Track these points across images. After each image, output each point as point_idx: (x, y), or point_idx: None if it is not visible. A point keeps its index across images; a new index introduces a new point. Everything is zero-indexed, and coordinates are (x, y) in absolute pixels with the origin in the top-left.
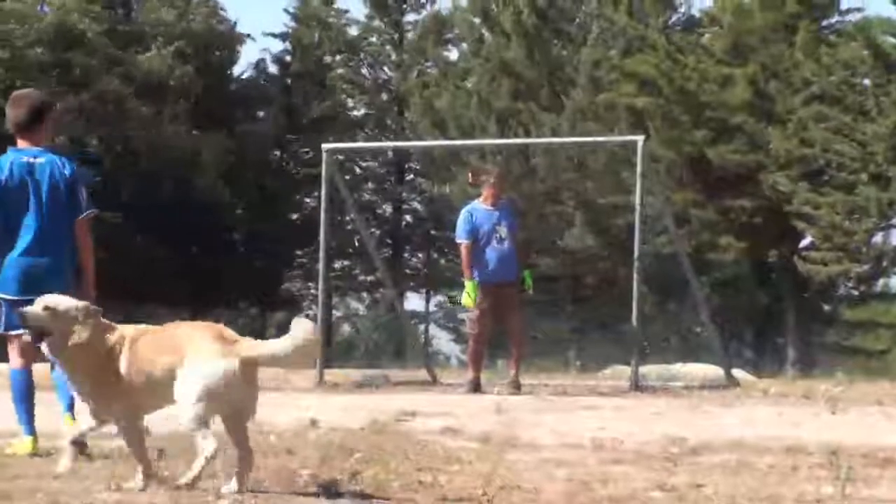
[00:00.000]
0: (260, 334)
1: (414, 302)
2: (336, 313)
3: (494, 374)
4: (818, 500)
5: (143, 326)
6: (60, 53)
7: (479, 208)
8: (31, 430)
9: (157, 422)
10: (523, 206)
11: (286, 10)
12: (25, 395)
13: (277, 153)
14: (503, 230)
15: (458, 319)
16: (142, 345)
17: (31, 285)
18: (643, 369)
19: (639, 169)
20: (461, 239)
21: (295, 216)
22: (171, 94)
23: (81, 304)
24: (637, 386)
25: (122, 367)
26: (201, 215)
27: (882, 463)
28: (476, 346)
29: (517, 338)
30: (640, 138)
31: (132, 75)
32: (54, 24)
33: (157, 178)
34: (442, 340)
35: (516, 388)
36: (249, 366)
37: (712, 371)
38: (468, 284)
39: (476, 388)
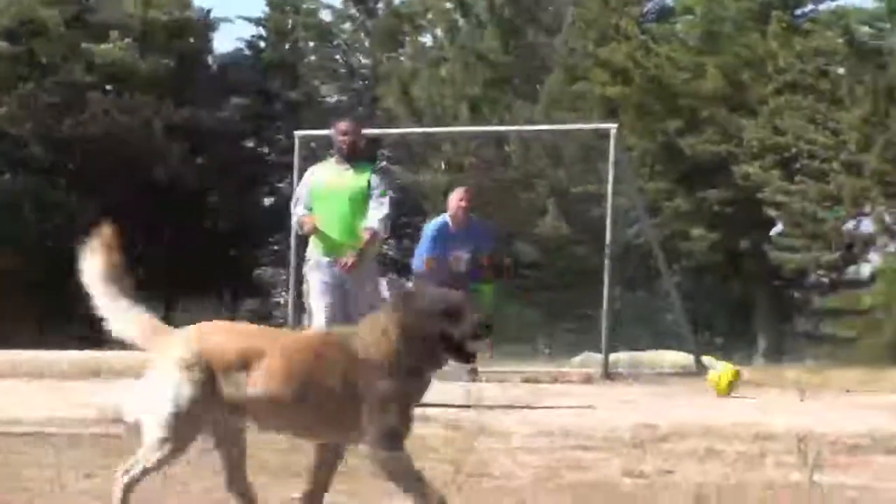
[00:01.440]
0: (231, 321)
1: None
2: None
3: None
4: (786, 486)
5: None
6: (22, 43)
7: (448, 228)
8: None
9: None
10: (497, 193)
11: None
12: None
13: (251, 139)
14: (462, 254)
15: None
16: None
17: None
18: (614, 357)
19: (611, 157)
20: (420, 254)
21: (268, 202)
22: (140, 83)
23: None
24: (607, 373)
25: None
26: (173, 202)
27: (850, 450)
28: None
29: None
30: (612, 126)
31: (95, 64)
32: (13, 13)
33: (128, 166)
34: None
35: (474, 374)
36: None
37: (683, 358)
38: None
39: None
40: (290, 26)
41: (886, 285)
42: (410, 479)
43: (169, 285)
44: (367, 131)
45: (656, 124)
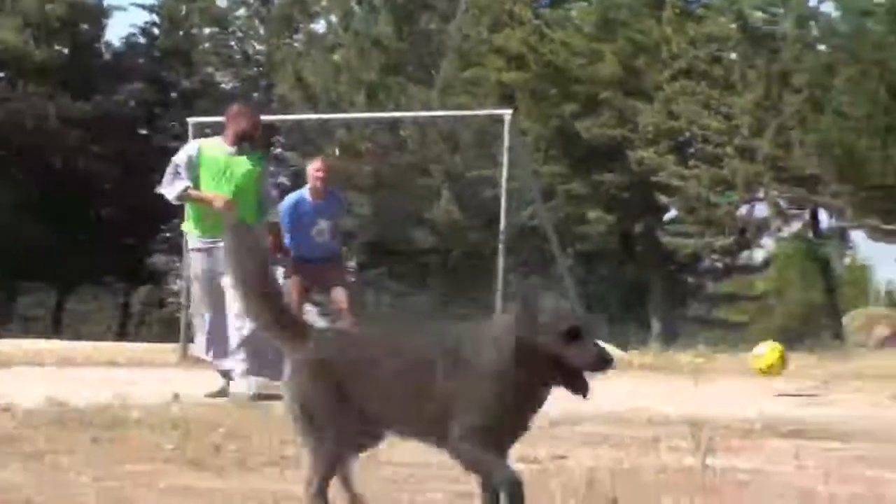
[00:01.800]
0: (125, 309)
1: (280, 274)
2: None
3: None
4: (679, 470)
5: None
6: None
7: (305, 200)
8: None
9: None
10: (392, 179)
11: None
12: None
13: (145, 127)
14: (323, 224)
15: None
16: None
17: None
18: None
19: (506, 142)
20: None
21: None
22: (34, 70)
23: None
24: None
25: None
26: (67, 190)
27: (743, 434)
28: None
29: (345, 312)
30: (507, 112)
31: None
32: None
33: (21, 155)
34: (310, 313)
35: None
36: None
37: None
38: None
39: None
40: (184, 13)
41: (778, 270)
42: (487, 463)
43: (62, 273)
44: (262, 118)
45: (552, 109)
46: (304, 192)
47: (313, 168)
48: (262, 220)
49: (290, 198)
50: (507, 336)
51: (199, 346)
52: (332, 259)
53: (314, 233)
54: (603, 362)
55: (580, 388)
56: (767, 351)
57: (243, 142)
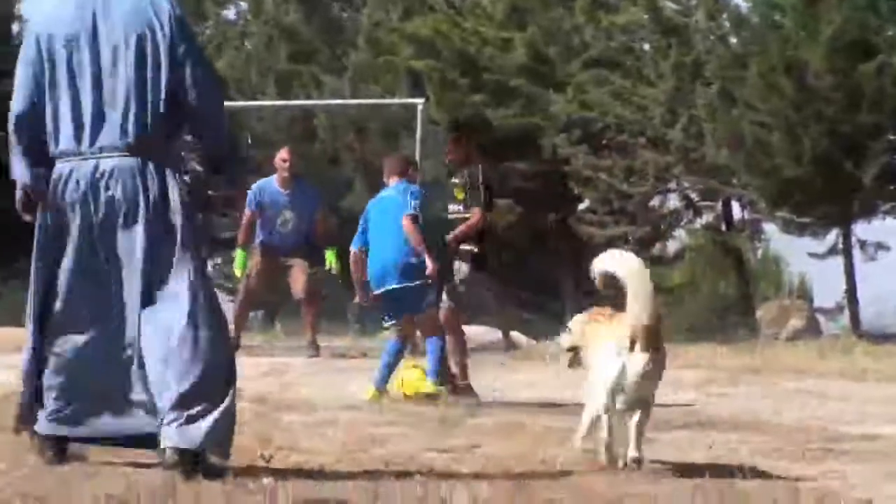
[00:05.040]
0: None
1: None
2: None
3: (273, 337)
4: (594, 460)
5: None
6: None
7: (270, 187)
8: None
9: None
10: (304, 168)
11: None
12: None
13: None
14: (288, 214)
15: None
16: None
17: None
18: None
19: (419, 132)
20: (247, 208)
21: None
22: None
23: None
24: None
25: None
26: None
27: (653, 425)
28: (240, 306)
29: (306, 303)
30: (420, 101)
31: None
32: None
33: None
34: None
35: (315, 349)
36: None
37: (490, 333)
38: (238, 252)
39: (237, 346)
40: None
41: (691, 262)
42: None
43: None
44: None
45: (463, 98)
46: (273, 180)
47: (280, 158)
48: None
49: (258, 183)
50: None
51: None
52: (297, 249)
53: (279, 222)
54: None
55: None
56: (407, 373)
57: None
